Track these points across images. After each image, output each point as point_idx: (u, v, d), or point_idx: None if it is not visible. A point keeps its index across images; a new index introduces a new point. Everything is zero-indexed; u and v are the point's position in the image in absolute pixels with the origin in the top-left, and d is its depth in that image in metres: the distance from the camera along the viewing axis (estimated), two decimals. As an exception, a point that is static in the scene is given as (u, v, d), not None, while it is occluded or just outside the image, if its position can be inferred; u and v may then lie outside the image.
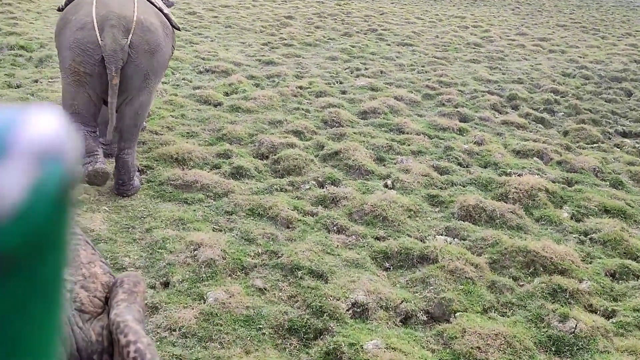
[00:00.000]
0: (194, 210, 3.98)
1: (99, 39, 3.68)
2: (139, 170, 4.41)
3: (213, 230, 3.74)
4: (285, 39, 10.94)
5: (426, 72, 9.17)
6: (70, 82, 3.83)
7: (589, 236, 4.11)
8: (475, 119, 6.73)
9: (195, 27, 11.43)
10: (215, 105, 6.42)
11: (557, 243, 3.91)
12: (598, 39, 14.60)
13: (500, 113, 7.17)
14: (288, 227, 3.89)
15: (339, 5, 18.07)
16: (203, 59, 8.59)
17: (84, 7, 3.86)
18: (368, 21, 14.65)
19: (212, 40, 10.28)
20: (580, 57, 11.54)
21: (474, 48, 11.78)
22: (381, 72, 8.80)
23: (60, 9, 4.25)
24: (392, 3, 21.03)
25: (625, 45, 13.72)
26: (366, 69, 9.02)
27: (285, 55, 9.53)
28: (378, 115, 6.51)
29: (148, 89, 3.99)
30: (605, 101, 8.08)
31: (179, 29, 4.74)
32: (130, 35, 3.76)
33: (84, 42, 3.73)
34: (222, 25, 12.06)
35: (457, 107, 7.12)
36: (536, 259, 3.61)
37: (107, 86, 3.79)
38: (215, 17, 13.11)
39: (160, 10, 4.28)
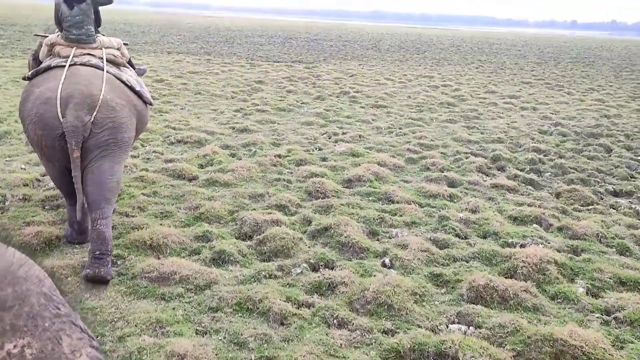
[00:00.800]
0: (173, 309, 3.47)
1: (60, 116, 3.67)
2: (108, 261, 3.89)
3: (197, 334, 3.23)
4: (258, 105, 10.70)
5: (405, 134, 8.98)
6: (40, 155, 3.92)
7: (612, 315, 3.74)
8: (464, 184, 6.45)
9: (164, 95, 11.12)
10: (190, 180, 5.99)
11: (581, 326, 3.52)
12: (565, 95, 14.88)
13: (487, 175, 6.93)
14: (282, 324, 3.40)
15: (308, 69, 18.16)
16: (174, 128, 8.21)
17: (51, 82, 3.84)
18: (339, 84, 14.64)
19: (182, 109, 9.96)
20: (553, 114, 11.62)
21: (447, 107, 11.76)
22: (360, 136, 8.56)
23: (26, 78, 4.20)
24: (360, 65, 21.33)
25: (592, 100, 13.98)
26: (344, 133, 8.78)
27: (260, 121, 9.24)
28: (364, 184, 6.17)
29: (110, 158, 3.89)
30: (588, 159, 7.96)
31: (151, 104, 4.69)
32: (95, 113, 3.76)
33: (46, 117, 3.71)
34: (192, 92, 11.79)
35: (443, 171, 6.85)
36: (565, 348, 3.20)
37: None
38: (184, 84, 12.87)
39: (132, 87, 4.26)
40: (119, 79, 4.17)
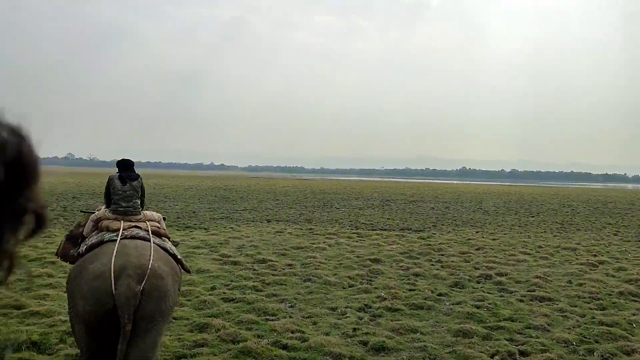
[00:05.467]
0: None
1: (113, 289, 3.73)
2: None
3: None
4: (385, 298, 8.34)
5: (614, 355, 6.14)
6: (83, 333, 3.79)
7: None
8: None
9: (268, 284, 9.09)
10: None
11: None
12: None
13: None
14: None
15: (424, 239, 15.91)
16: (285, 347, 5.94)
17: (104, 257, 3.98)
18: (470, 261, 12.12)
19: (291, 306, 7.77)
20: None
21: (634, 300, 8.79)
22: (551, 360, 5.84)
23: (79, 254, 4.36)
24: (477, 232, 18.83)
25: None
26: (524, 353, 6.10)
27: (396, 330, 6.79)
28: None
29: (154, 332, 3.88)
30: None
31: (189, 272, 4.95)
32: (143, 283, 3.82)
33: (99, 292, 3.74)
34: (300, 277, 9.72)
35: None
36: None
37: (118, 335, 3.69)
38: (290, 265, 10.90)
39: (174, 256, 4.44)
40: (163, 248, 4.38)
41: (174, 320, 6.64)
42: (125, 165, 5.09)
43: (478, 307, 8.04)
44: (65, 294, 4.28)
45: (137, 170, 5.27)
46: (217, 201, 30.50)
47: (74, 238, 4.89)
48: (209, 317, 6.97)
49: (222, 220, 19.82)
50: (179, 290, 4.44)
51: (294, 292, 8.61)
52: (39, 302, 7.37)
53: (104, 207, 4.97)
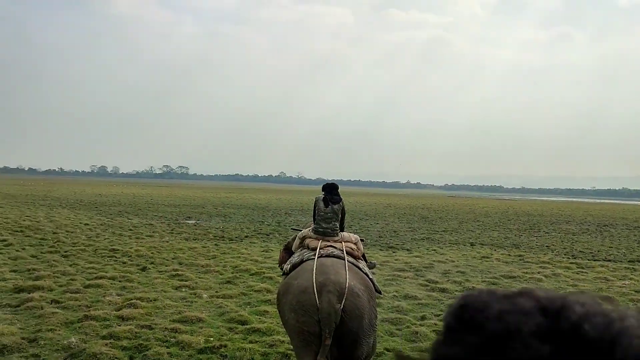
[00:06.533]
0: None
1: (317, 302, 4.13)
2: None
3: None
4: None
5: None
6: (298, 343, 4.23)
7: None
8: None
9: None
10: None
11: None
12: None
13: None
14: None
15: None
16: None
17: (305, 274, 4.44)
18: None
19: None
20: None
21: None
22: None
23: (284, 274, 4.96)
24: None
25: None
26: None
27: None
28: None
29: (359, 351, 4.20)
30: None
31: (380, 293, 4.99)
32: (343, 301, 4.15)
33: (306, 305, 4.17)
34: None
35: None
36: None
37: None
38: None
39: (366, 275, 4.73)
40: (356, 266, 4.70)
41: (386, 352, 6.44)
42: (330, 189, 5.52)
43: None
44: None
45: (340, 188, 5.67)
46: (416, 221, 30.21)
47: (289, 249, 5.56)
48: (423, 351, 6.60)
49: (424, 242, 19.41)
50: (374, 307, 4.71)
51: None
52: (259, 318, 7.76)
53: (311, 225, 5.55)
